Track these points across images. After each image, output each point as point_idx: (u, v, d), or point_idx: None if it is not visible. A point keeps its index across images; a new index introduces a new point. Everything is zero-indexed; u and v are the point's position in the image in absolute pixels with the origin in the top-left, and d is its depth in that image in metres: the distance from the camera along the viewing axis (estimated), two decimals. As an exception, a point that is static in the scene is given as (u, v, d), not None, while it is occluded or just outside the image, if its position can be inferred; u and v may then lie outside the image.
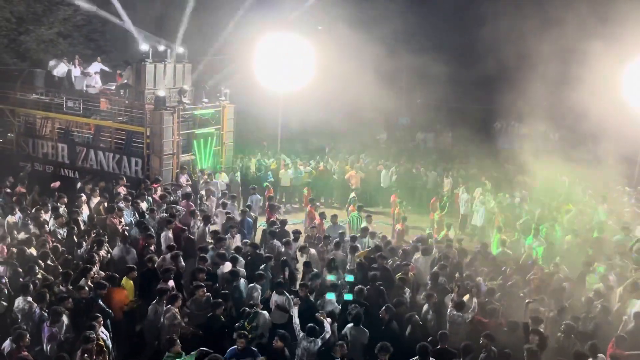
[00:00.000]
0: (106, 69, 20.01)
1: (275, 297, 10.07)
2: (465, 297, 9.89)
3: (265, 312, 9.54)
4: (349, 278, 9.48)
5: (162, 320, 9.11)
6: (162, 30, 23.93)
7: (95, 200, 14.29)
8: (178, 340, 8.21)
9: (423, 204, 19.26)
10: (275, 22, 21.82)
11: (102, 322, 8.61)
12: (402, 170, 21.05)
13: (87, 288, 9.36)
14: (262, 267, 10.97)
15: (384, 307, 9.39)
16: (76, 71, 19.45)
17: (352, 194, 17.66)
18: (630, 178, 20.31)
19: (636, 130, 17.94)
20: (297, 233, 12.83)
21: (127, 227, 12.86)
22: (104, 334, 8.61)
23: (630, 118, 18.21)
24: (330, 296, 9.57)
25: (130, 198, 14.23)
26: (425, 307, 10.07)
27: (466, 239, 15.52)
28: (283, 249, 12.16)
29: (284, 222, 13.71)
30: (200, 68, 21.04)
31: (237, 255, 11.14)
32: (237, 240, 12.63)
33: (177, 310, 9.18)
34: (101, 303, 9.26)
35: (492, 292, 10.46)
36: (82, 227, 12.73)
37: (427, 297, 10.17)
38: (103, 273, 10.43)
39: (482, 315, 9.65)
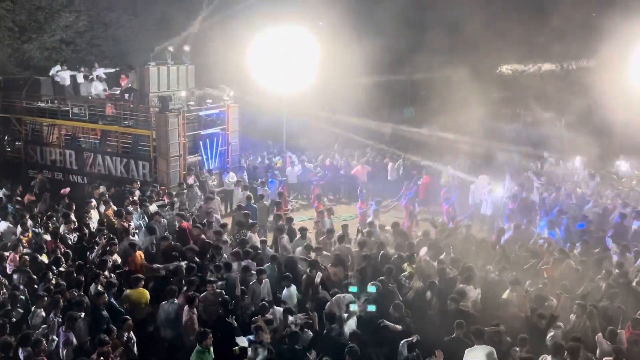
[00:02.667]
0: (102, 73, 19.95)
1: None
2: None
3: (279, 308, 9.59)
4: (372, 289, 9.32)
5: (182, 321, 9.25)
6: (164, 31, 23.99)
7: (104, 205, 14.39)
8: (210, 334, 8.33)
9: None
10: (275, 19, 21.68)
11: (131, 324, 8.73)
12: (409, 163, 20.93)
13: (105, 295, 9.34)
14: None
15: (392, 306, 9.31)
16: (80, 77, 19.52)
17: (360, 189, 17.62)
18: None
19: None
20: (303, 230, 12.70)
21: (136, 231, 12.89)
22: (133, 337, 8.74)
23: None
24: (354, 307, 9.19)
25: (138, 201, 14.32)
26: (429, 294, 10.00)
27: (476, 228, 15.44)
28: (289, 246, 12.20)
29: (289, 220, 13.69)
30: (202, 68, 21.04)
31: (250, 251, 11.26)
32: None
33: (194, 312, 9.27)
34: (114, 302, 9.40)
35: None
36: (92, 232, 12.81)
37: (429, 285, 10.15)
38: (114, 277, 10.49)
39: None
